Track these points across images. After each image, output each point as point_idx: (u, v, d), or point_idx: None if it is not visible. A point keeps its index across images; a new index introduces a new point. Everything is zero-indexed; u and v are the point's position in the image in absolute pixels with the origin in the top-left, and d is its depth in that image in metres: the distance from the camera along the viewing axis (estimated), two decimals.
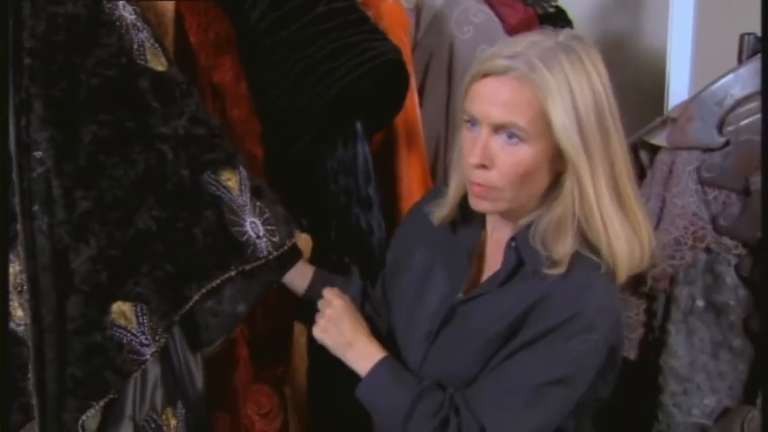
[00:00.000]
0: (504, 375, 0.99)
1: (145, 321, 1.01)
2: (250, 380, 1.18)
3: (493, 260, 1.07)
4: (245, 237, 1.07)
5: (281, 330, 1.23)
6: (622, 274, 1.02)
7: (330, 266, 1.32)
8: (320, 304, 1.12)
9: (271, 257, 1.09)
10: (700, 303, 1.49)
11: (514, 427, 0.98)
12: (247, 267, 1.07)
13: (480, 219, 1.11)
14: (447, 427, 0.99)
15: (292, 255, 1.12)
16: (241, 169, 1.09)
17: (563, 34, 1.00)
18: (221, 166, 1.07)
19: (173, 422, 1.05)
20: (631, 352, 1.55)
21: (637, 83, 2.05)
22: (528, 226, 1.03)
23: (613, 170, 0.99)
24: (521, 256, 1.03)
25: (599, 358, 1.00)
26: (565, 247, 0.99)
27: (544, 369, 0.98)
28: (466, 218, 1.10)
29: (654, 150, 1.51)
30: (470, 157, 1.00)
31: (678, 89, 1.73)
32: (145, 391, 1.04)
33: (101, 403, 1.00)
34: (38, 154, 0.99)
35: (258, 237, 1.07)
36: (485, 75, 0.99)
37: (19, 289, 1.02)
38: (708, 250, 1.46)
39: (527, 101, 0.96)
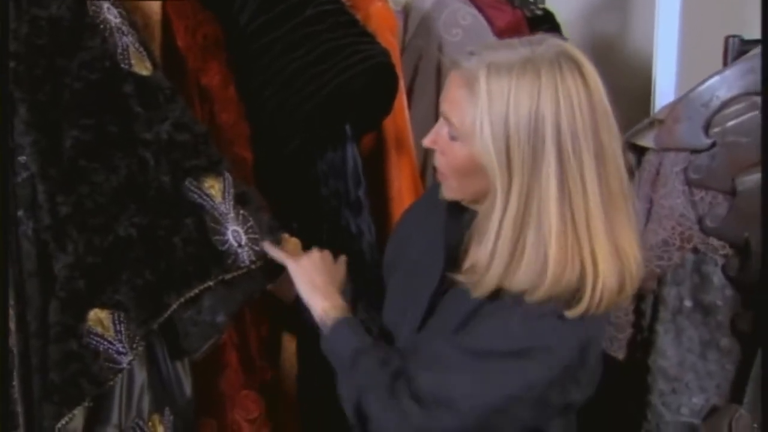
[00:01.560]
0: (446, 341, 0.97)
1: (122, 329, 1.00)
2: (239, 386, 1.17)
3: (470, 261, 1.05)
4: (226, 246, 1.06)
5: (270, 336, 1.22)
6: (510, 288, 0.96)
7: None
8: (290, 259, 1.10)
9: (253, 267, 1.07)
10: (687, 303, 1.50)
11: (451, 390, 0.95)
12: (227, 276, 1.06)
13: (472, 211, 1.10)
14: (398, 378, 0.98)
15: (278, 264, 1.11)
16: (227, 175, 1.07)
17: (547, 47, 0.96)
18: (204, 172, 1.05)
19: (160, 429, 1.04)
20: (619, 352, 1.56)
21: (624, 85, 2.05)
22: None
23: (537, 197, 0.93)
24: None
25: (564, 339, 0.96)
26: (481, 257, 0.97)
27: (495, 339, 0.96)
28: (459, 209, 1.09)
29: (641, 151, 1.51)
30: (424, 140, 1.03)
31: (664, 91, 1.74)
32: (131, 398, 1.03)
33: (75, 411, 0.99)
34: (22, 158, 0.98)
35: (240, 246, 1.06)
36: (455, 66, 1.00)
37: None
38: (695, 250, 1.47)
39: (464, 102, 0.96)
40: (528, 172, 0.93)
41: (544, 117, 0.92)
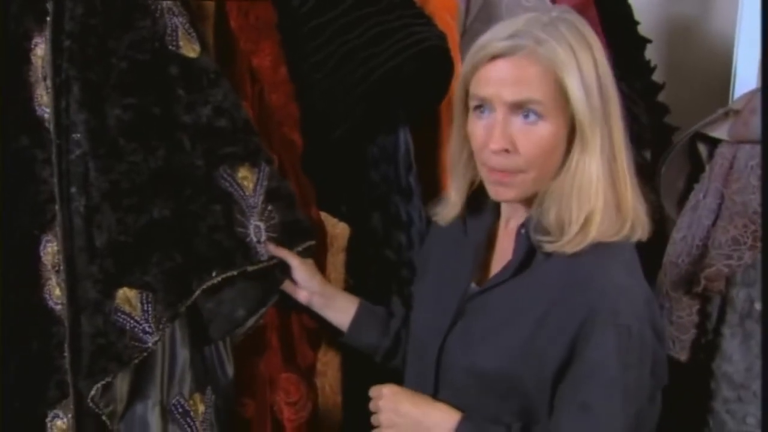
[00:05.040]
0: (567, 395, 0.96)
1: (149, 309, 1.01)
2: (280, 369, 1.17)
3: (507, 250, 1.04)
4: (247, 239, 1.06)
5: (313, 320, 1.22)
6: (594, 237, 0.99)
7: (367, 257, 1.30)
8: (371, 405, 1.08)
9: (272, 263, 1.07)
10: (759, 306, 1.41)
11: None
12: (251, 268, 1.05)
13: (492, 210, 1.08)
14: None
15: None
16: (263, 166, 1.07)
17: (556, 10, 1.01)
18: (239, 161, 1.05)
19: (201, 408, 1.06)
20: (682, 354, 1.49)
21: (701, 72, 1.96)
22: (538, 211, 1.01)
23: (612, 139, 0.99)
24: (532, 243, 1.00)
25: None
26: (569, 221, 0.98)
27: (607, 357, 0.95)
28: (477, 212, 1.08)
29: (714, 143, 1.43)
30: (491, 144, 0.97)
31: (745, 79, 1.63)
32: (173, 377, 1.04)
33: (99, 386, 1.01)
34: (76, 136, 1.00)
35: (258, 242, 1.06)
36: (492, 58, 0.97)
37: (57, 268, 1.04)
38: None
39: (541, 76, 0.95)
40: (605, 119, 0.98)
41: (601, 62, 0.98)
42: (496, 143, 0.97)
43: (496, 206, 1.07)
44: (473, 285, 1.06)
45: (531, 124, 0.96)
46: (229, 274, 1.04)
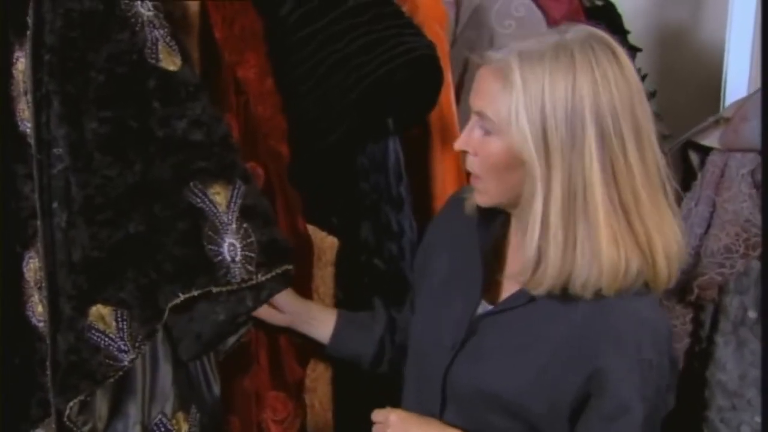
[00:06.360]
0: None
1: (125, 326, 0.98)
2: (268, 386, 1.15)
3: (517, 264, 1.02)
4: (219, 258, 1.01)
5: (302, 336, 1.20)
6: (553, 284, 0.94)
7: (357, 267, 1.29)
8: (375, 429, 1.05)
9: (244, 285, 1.02)
10: (752, 314, 1.42)
11: None
12: (215, 290, 1.01)
13: (502, 221, 1.06)
14: None
15: (269, 290, 1.04)
16: (239, 184, 1.03)
17: (575, 31, 0.96)
18: (212, 177, 1.01)
19: (185, 427, 1.03)
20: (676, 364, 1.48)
21: (692, 80, 1.96)
22: None
23: (573, 180, 0.92)
24: None
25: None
26: (526, 254, 0.96)
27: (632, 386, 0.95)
28: (487, 221, 1.06)
29: (705, 151, 1.43)
30: (456, 142, 1.01)
31: (736, 86, 1.64)
32: (155, 395, 1.02)
33: (72, 404, 0.98)
34: (58, 150, 0.99)
35: (233, 261, 1.01)
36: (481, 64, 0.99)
37: (39, 285, 1.03)
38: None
39: (497, 93, 0.95)
40: (568, 157, 0.92)
41: (582, 98, 0.92)
42: (457, 143, 1.00)
43: (507, 217, 1.06)
44: (484, 302, 1.04)
45: (486, 135, 0.97)
46: (191, 294, 1.00)
